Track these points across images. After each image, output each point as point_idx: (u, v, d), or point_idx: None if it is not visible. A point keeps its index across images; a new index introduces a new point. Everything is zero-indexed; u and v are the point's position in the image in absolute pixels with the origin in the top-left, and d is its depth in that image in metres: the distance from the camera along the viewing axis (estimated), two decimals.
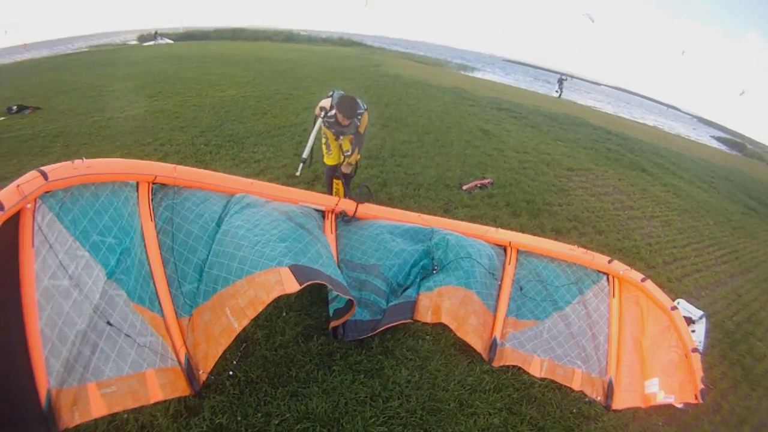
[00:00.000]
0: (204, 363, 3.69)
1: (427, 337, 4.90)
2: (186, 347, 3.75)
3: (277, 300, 4.93)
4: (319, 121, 6.07)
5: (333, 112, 5.83)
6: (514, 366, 4.73)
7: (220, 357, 3.69)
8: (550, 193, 9.94)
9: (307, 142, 6.34)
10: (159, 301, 3.76)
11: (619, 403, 4.65)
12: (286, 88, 16.84)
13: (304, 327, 4.76)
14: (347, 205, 5.53)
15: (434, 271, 5.22)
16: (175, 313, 3.83)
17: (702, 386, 4.42)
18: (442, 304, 4.80)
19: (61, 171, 3.16)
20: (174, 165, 4.22)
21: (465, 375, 4.54)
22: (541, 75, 65.56)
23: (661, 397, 4.55)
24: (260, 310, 3.59)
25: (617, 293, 5.28)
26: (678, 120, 49.41)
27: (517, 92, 29.20)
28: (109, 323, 3.26)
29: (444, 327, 4.88)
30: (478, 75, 41.26)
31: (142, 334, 3.49)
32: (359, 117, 5.93)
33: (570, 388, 4.67)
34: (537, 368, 4.77)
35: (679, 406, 4.63)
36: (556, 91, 38.49)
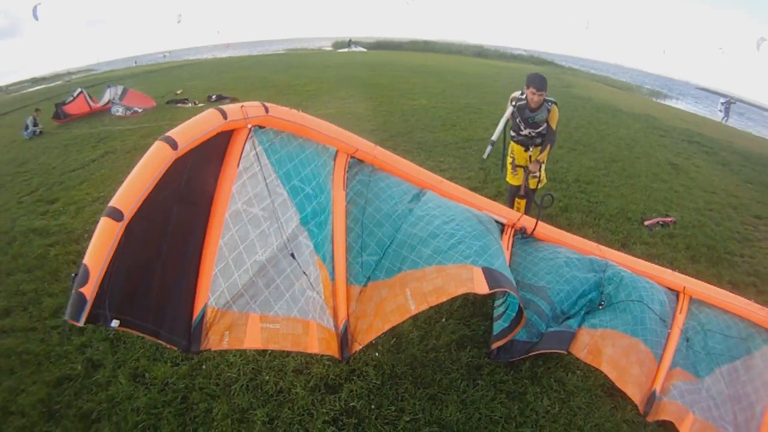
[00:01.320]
0: (365, 335, 3.67)
1: (578, 371, 4.84)
2: (347, 314, 3.75)
3: (440, 306, 5.12)
4: (510, 108, 6.19)
5: (524, 95, 5.97)
6: (658, 421, 4.49)
7: (381, 335, 3.75)
8: (734, 241, 9.18)
9: (497, 127, 6.44)
10: (333, 264, 3.76)
11: None
12: (476, 102, 17.05)
13: (460, 336, 4.88)
14: (528, 223, 5.50)
15: (601, 307, 5.00)
16: (347, 280, 3.82)
17: None
18: (604, 349, 4.59)
19: (280, 111, 3.26)
20: (375, 144, 4.29)
21: (605, 419, 4.45)
22: (738, 107, 60.31)
23: None
24: (443, 300, 3.54)
25: None
26: None
27: (710, 125, 27.11)
28: (293, 256, 3.31)
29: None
30: (671, 103, 38.93)
31: (316, 287, 3.52)
32: (549, 104, 6.02)
33: None
34: (688, 427, 4.42)
35: None
36: (723, 117, 34.31)
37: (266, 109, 3.12)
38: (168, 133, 2.41)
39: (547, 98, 5.98)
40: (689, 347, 4.87)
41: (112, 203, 2.20)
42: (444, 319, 5.08)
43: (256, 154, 3.14)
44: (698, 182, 12.40)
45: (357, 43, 47.80)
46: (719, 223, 9.83)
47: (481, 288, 3.52)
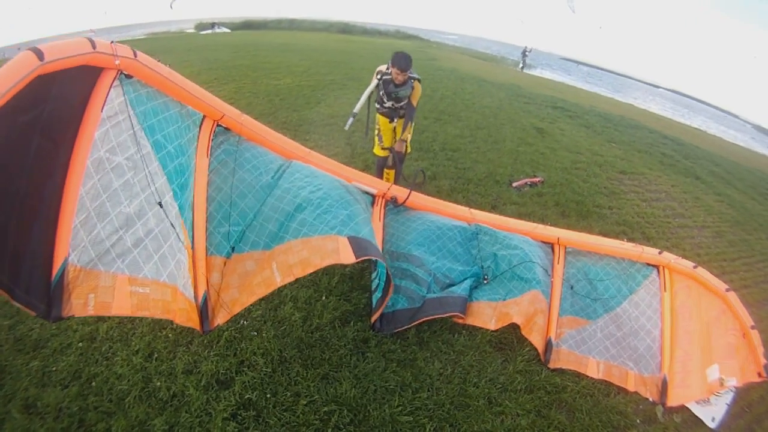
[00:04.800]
0: (229, 307, 3.60)
1: (464, 331, 4.88)
2: (207, 286, 3.60)
3: (318, 284, 5.10)
4: (374, 81, 6.16)
5: (389, 69, 5.97)
6: (551, 369, 4.67)
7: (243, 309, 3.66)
8: (601, 195, 9.74)
9: (359, 99, 6.34)
10: (193, 232, 3.59)
11: (674, 400, 4.61)
12: (341, 78, 16.91)
13: (342, 312, 4.82)
14: (399, 192, 5.49)
15: (485, 281, 5.15)
16: (206, 250, 3.68)
17: (765, 362, 4.41)
18: (510, 311, 4.77)
19: (148, 59, 3.14)
20: (241, 112, 4.20)
21: (498, 373, 4.52)
22: (598, 74, 64.27)
23: (724, 383, 4.50)
24: (308, 272, 3.56)
25: (669, 286, 5.17)
26: (738, 129, 47.48)
27: (573, 91, 28.63)
28: (160, 205, 3.11)
29: None
30: (536, 72, 40.65)
31: (181, 252, 3.34)
32: (413, 81, 6.07)
33: (624, 390, 4.65)
34: (594, 370, 4.73)
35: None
36: (520, 66, 37.35)
37: (134, 54, 3.00)
38: (36, 45, 2.26)
39: (411, 75, 6.05)
40: (574, 294, 5.11)
41: None
42: (324, 297, 4.99)
43: (123, 102, 2.98)
44: (564, 144, 13.03)
45: (221, 24, 46.36)
46: (586, 180, 10.40)
47: (348, 257, 3.55)
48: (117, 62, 2.83)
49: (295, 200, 3.93)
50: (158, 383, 3.92)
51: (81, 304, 2.66)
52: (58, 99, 2.53)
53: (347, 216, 3.91)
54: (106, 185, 2.81)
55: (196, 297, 3.44)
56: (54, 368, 4.07)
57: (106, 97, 2.82)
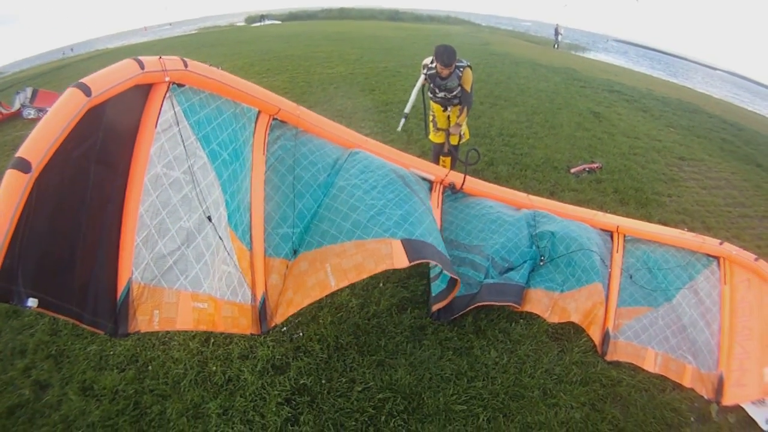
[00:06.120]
0: (285, 309, 3.62)
1: (521, 321, 4.83)
2: (266, 287, 3.63)
3: None
4: (422, 77, 6.11)
5: (433, 63, 5.88)
6: (608, 362, 4.58)
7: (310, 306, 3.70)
8: (660, 182, 9.45)
9: (409, 98, 6.32)
10: (251, 235, 3.59)
11: (730, 399, 4.45)
12: (394, 65, 16.89)
13: (400, 299, 4.85)
14: (456, 178, 5.43)
15: (542, 263, 5.07)
16: (264, 251, 3.68)
17: None
18: (568, 306, 4.72)
19: (199, 66, 3.06)
20: (297, 104, 4.15)
21: (554, 364, 4.46)
22: (656, 57, 62.42)
23: None
24: (363, 277, 3.58)
25: (729, 278, 4.96)
26: None
27: (630, 74, 27.85)
28: (210, 220, 3.04)
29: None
30: (590, 55, 39.78)
31: (232, 260, 3.33)
32: (461, 69, 5.92)
33: (680, 386, 4.51)
34: (651, 363, 4.61)
35: None
36: (555, 44, 37.26)
37: (185, 64, 2.91)
38: (81, 80, 2.18)
39: (458, 64, 5.87)
40: (633, 284, 4.97)
41: (19, 153, 1.92)
42: (381, 284, 5.02)
43: (175, 114, 2.90)
44: (621, 129, 12.70)
45: (270, 17, 46.83)
46: (644, 166, 10.11)
47: (401, 263, 3.54)
48: (167, 80, 2.79)
49: (349, 200, 3.91)
50: (214, 368, 4.03)
51: (146, 320, 2.66)
52: (111, 123, 2.49)
53: (401, 216, 3.89)
54: (165, 201, 2.80)
55: (254, 299, 3.49)
56: (111, 352, 4.23)
57: (160, 111, 2.79)
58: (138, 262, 2.62)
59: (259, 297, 3.53)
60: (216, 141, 3.23)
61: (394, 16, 50.43)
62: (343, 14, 50.03)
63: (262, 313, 3.53)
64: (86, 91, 2.17)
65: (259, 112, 3.84)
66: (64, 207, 2.27)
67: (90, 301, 2.43)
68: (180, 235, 2.85)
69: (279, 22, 43.26)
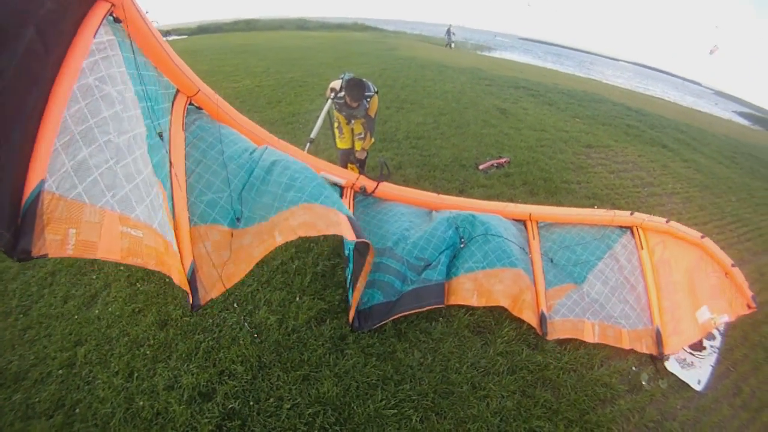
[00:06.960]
0: (227, 281, 3.42)
1: (441, 319, 4.87)
2: (193, 256, 3.32)
3: (291, 284, 5.05)
4: (329, 101, 6.06)
5: (342, 93, 5.84)
6: (554, 340, 4.77)
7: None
8: (569, 170, 9.82)
9: (316, 122, 6.28)
10: (173, 203, 3.25)
11: (671, 348, 4.78)
12: (300, 75, 16.77)
13: (318, 311, 4.78)
14: (367, 183, 5.47)
15: (462, 245, 5.12)
16: (190, 220, 3.40)
17: (752, 293, 4.58)
18: (493, 287, 4.78)
19: (136, 11, 2.90)
20: (215, 92, 4.11)
21: (478, 357, 4.52)
22: (561, 53, 64.86)
23: (716, 321, 4.65)
24: (311, 234, 3.51)
25: (645, 244, 5.33)
26: (700, 96, 48.34)
27: (535, 70, 28.84)
28: (160, 135, 2.84)
29: (457, 308, 4.90)
30: (496, 54, 40.85)
31: (162, 210, 2.95)
32: (368, 99, 5.90)
33: (612, 357, 4.75)
34: (590, 333, 4.79)
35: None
36: (447, 44, 38.44)
37: None
38: None
39: (366, 93, 5.88)
40: (555, 265, 5.17)
41: None
42: (298, 298, 4.94)
43: (112, 41, 2.69)
44: (528, 123, 13.11)
45: (176, 31, 45.74)
46: (552, 157, 10.47)
47: (350, 235, 3.54)
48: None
49: (285, 172, 3.81)
50: (141, 402, 3.85)
51: (58, 240, 2.13)
52: (56, 3, 2.23)
53: (338, 199, 3.85)
54: (95, 111, 2.40)
55: (183, 267, 3.17)
56: (37, 399, 3.96)
57: (96, 31, 2.48)
58: (54, 167, 2.16)
59: (187, 266, 3.21)
60: (140, 85, 2.98)
61: (302, 25, 50.10)
62: (250, 26, 49.34)
63: (192, 285, 3.21)
64: None
65: (178, 91, 3.71)
66: None
67: None
68: (109, 148, 2.44)
69: (186, 36, 42.31)
